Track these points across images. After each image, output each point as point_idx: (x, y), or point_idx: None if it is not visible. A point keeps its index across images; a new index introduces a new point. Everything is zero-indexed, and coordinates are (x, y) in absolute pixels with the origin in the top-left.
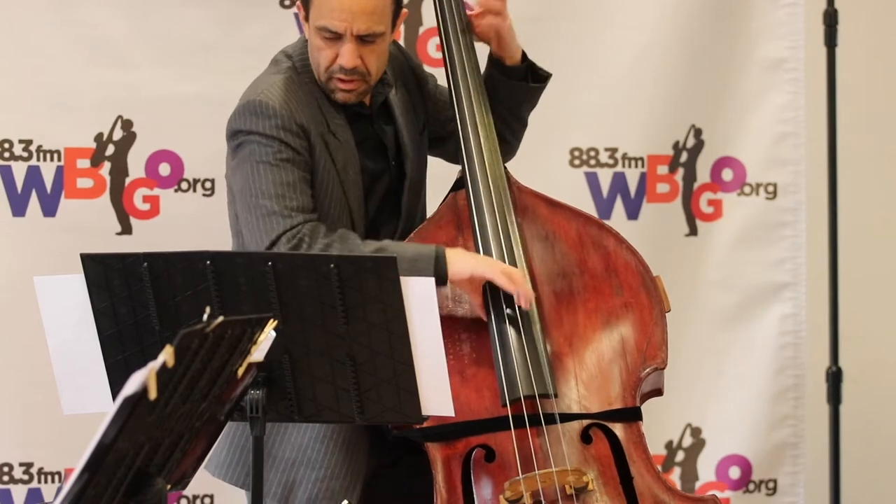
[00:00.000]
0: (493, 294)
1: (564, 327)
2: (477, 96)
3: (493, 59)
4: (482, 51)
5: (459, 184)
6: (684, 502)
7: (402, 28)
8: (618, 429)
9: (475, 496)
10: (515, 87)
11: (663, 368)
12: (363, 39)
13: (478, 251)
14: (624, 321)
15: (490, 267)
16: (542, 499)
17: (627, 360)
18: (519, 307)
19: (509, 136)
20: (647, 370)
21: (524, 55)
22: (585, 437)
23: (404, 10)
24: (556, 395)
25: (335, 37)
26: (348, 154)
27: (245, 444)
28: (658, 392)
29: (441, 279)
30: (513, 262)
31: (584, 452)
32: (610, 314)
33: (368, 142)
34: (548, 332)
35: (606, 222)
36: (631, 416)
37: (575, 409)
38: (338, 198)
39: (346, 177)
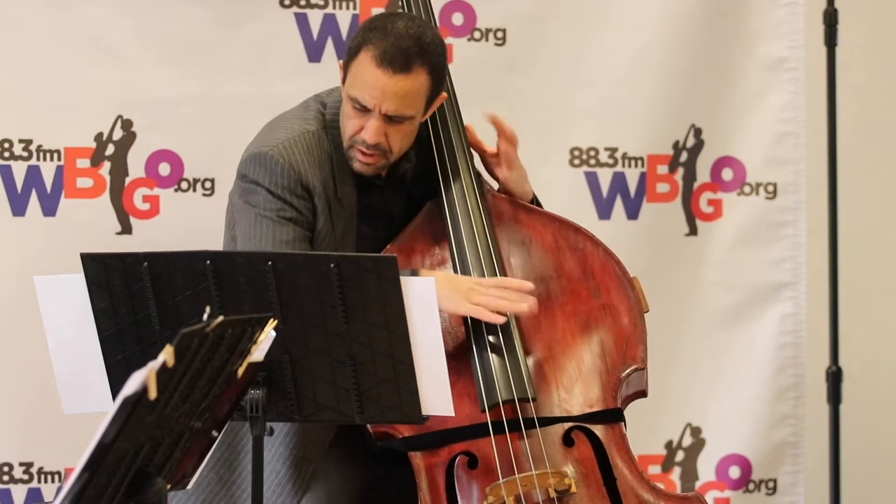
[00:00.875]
0: None
1: (543, 331)
2: (449, 103)
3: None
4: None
5: (435, 193)
6: (669, 501)
7: None
8: (599, 430)
9: (459, 503)
10: None
11: (643, 369)
12: (391, 119)
13: (454, 260)
14: (602, 323)
15: (456, 305)
16: (524, 502)
17: (607, 361)
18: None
19: None
20: (627, 371)
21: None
22: (567, 439)
23: (443, 94)
24: (535, 399)
25: (364, 109)
26: (349, 221)
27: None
28: (641, 394)
29: None
30: (490, 270)
31: (566, 455)
32: (588, 317)
33: (373, 209)
34: (526, 336)
35: (582, 225)
36: (612, 417)
37: (556, 413)
38: None
39: (344, 245)
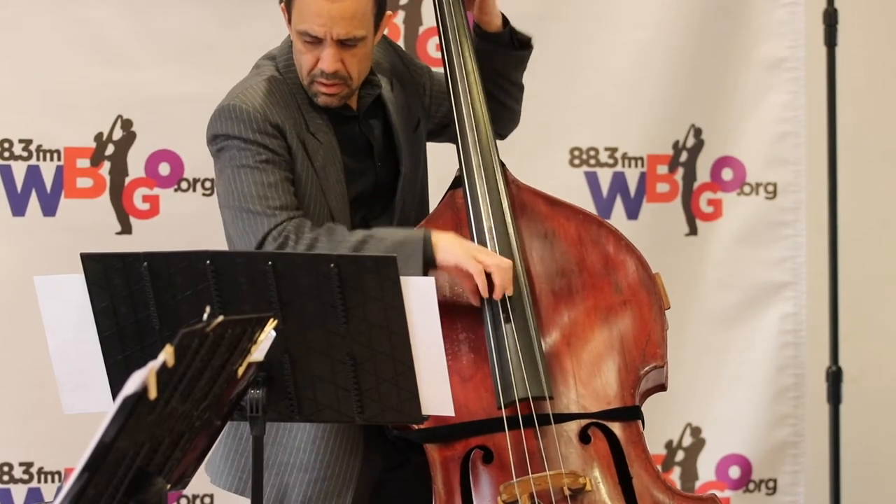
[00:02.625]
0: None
1: (563, 326)
2: (476, 95)
3: (476, 29)
4: None
5: (458, 182)
6: (684, 502)
7: (401, 28)
8: (616, 428)
9: (473, 498)
10: (502, 55)
11: (663, 366)
12: (344, 44)
13: None
14: (623, 319)
15: (469, 262)
16: (538, 501)
17: (626, 358)
18: (513, 306)
19: (510, 102)
20: (647, 368)
21: (505, 20)
22: (584, 436)
23: (388, 13)
24: (551, 397)
25: (316, 41)
26: (328, 154)
27: (238, 448)
28: (661, 388)
29: (429, 263)
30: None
31: (582, 452)
32: (609, 312)
33: (353, 142)
34: (546, 330)
35: (606, 220)
36: (630, 415)
37: (573, 409)
38: (316, 198)
39: (326, 177)
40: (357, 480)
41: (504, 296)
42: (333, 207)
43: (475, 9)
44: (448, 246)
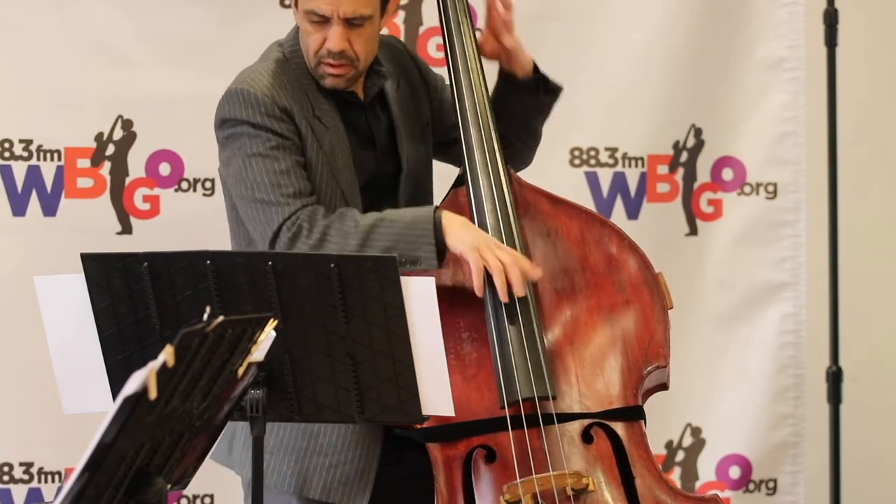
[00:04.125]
0: (491, 290)
1: (566, 325)
2: (479, 94)
3: (504, 73)
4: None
5: (460, 181)
6: (686, 502)
7: (402, 28)
8: (619, 428)
9: (476, 497)
10: (527, 100)
11: (665, 366)
12: (351, 23)
13: None
14: (626, 319)
15: (472, 254)
16: (541, 501)
17: (629, 358)
18: (517, 304)
19: (523, 149)
20: (650, 368)
21: (535, 67)
22: (586, 436)
23: None
24: (555, 397)
25: (323, 20)
26: (336, 139)
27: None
28: (663, 387)
29: (440, 245)
30: None
31: (585, 453)
32: (612, 312)
33: (357, 129)
34: (549, 330)
35: (608, 219)
36: (632, 415)
37: (576, 409)
38: (328, 181)
39: (335, 160)
40: (377, 465)
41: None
42: (345, 190)
43: (503, 61)
44: (457, 231)
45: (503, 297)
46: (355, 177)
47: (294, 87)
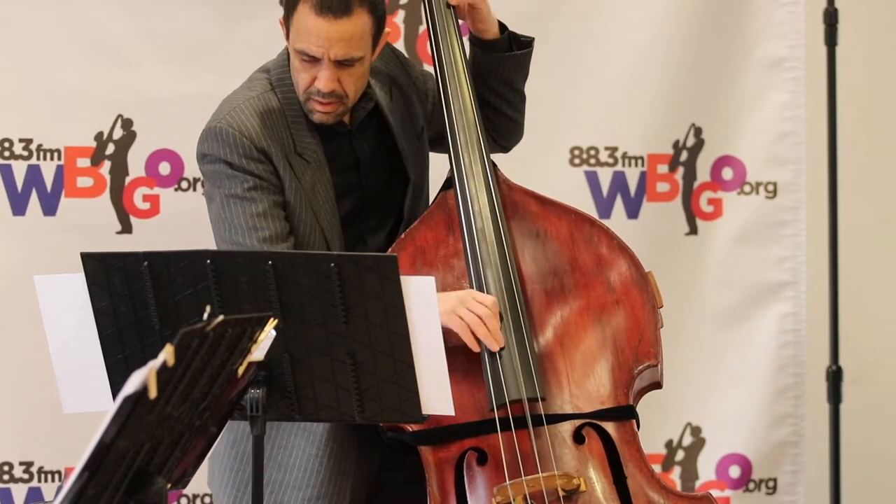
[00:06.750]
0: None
1: (555, 326)
2: (466, 95)
3: (474, 38)
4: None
5: (449, 183)
6: (678, 501)
7: (401, 28)
8: (610, 428)
9: (468, 499)
10: (502, 59)
11: (657, 365)
12: (341, 64)
13: (466, 250)
14: (616, 318)
15: (452, 320)
16: (532, 502)
17: (620, 357)
18: (506, 307)
19: (511, 112)
20: (640, 367)
21: (503, 26)
22: (578, 437)
23: (387, 31)
24: (544, 398)
25: (313, 60)
26: (317, 173)
27: (234, 465)
28: (656, 385)
29: None
30: (503, 261)
31: (576, 453)
32: (601, 312)
33: (342, 157)
34: (538, 331)
35: (597, 218)
36: (624, 414)
37: (567, 409)
38: (306, 219)
39: (315, 197)
40: (349, 500)
41: (500, 312)
42: (325, 227)
43: (469, 19)
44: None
45: (493, 349)
46: (337, 211)
47: (276, 124)
